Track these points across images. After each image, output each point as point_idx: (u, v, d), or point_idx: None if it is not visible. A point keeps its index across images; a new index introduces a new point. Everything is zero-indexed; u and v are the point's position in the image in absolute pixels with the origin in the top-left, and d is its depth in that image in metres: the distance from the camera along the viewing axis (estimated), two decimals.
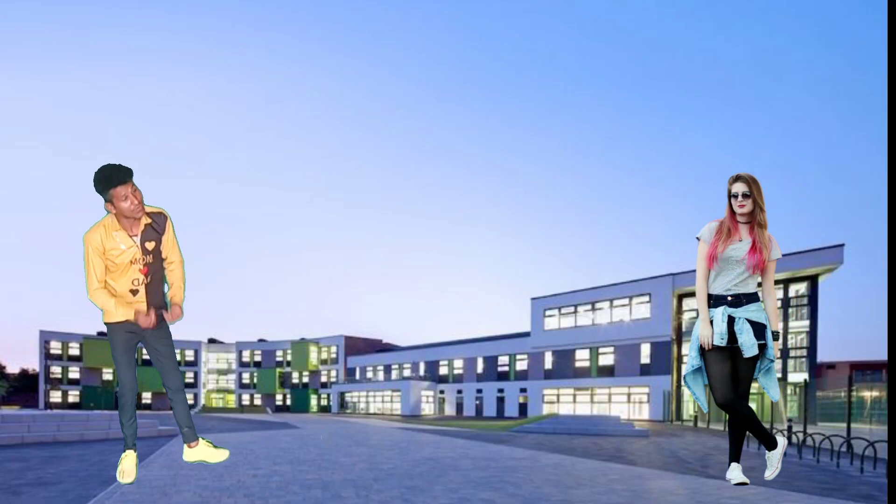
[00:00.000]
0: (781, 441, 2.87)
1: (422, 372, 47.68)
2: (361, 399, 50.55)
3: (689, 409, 28.99)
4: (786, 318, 26.92)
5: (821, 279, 26.08)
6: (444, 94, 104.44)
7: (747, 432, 2.84)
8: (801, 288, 26.87)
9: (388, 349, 56.27)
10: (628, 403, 31.51)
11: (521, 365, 38.79)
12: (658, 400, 29.85)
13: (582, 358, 34.33)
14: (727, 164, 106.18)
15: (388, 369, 51.40)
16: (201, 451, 2.98)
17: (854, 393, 12.70)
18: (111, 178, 2.44)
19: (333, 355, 56.80)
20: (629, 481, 6.11)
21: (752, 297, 2.66)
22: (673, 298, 30.02)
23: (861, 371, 34.12)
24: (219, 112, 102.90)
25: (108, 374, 55.95)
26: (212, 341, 62.77)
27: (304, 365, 57.60)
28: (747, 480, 2.73)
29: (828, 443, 10.11)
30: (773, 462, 2.84)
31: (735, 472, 2.77)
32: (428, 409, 45.58)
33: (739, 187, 2.60)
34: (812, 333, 25.89)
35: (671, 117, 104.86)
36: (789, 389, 23.18)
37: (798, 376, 25.35)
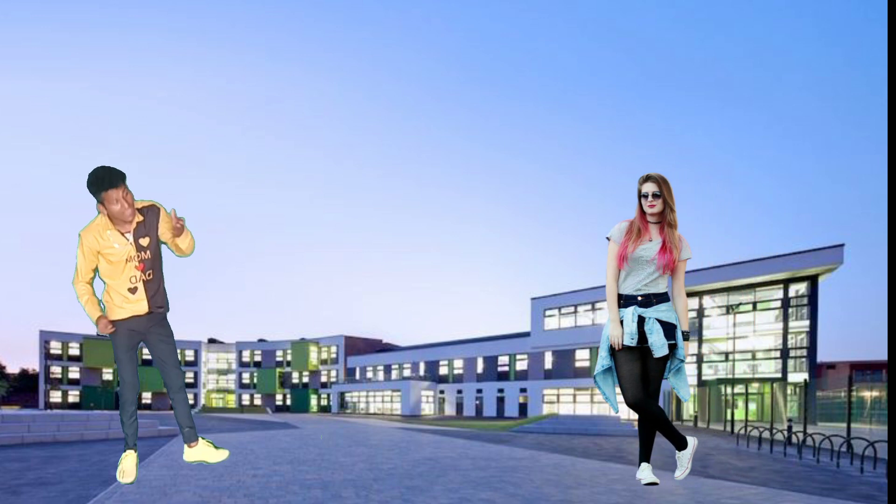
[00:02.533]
0: (692, 442, 2.87)
1: (422, 372, 47.68)
2: (361, 399, 50.56)
3: (688, 409, 29.00)
4: (786, 318, 26.94)
5: (821, 279, 26.10)
6: (444, 94, 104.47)
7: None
8: (801, 288, 26.88)
9: (388, 349, 56.28)
10: None
11: (521, 365, 38.80)
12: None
13: (582, 358, 34.33)
14: (727, 164, 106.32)
15: (388, 369, 51.42)
16: (201, 452, 2.98)
17: (854, 393, 12.70)
18: (103, 181, 2.46)
19: (333, 355, 56.82)
20: (629, 481, 6.11)
21: (662, 298, 2.65)
22: None
23: (861, 371, 34.11)
24: (219, 112, 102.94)
25: (108, 374, 55.97)
26: (212, 341, 62.79)
27: (304, 365, 57.62)
28: (657, 480, 2.72)
29: (828, 443, 10.11)
30: (684, 462, 2.84)
31: (645, 472, 2.75)
32: (428, 409, 45.58)
33: (650, 187, 2.58)
34: (812, 333, 25.90)
35: (671, 117, 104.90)
36: (789, 389, 23.16)
37: (798, 376, 25.36)
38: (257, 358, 61.51)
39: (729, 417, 19.08)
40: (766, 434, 13.36)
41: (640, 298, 2.63)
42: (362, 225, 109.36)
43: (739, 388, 26.77)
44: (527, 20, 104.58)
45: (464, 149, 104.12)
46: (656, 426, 2.73)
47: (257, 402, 60.56)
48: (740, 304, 28.27)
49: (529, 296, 37.65)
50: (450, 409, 44.89)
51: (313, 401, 57.81)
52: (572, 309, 34.68)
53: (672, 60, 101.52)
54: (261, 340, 61.92)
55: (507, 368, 40.22)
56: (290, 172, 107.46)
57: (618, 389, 2.75)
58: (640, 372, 2.63)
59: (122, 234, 2.59)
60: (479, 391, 42.04)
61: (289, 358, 59.34)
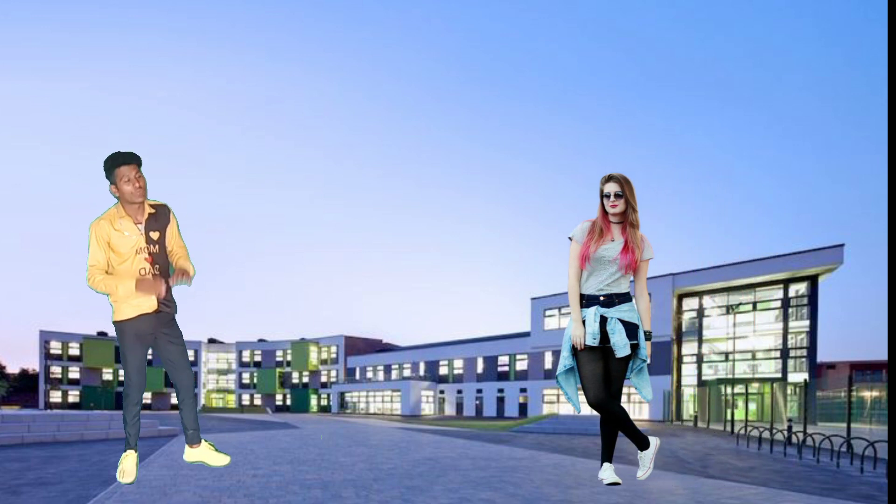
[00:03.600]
0: (654, 441, 2.86)
1: (422, 372, 47.67)
2: (361, 399, 50.55)
3: (688, 409, 28.99)
4: (786, 318, 26.93)
5: (821, 279, 26.09)
6: (444, 94, 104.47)
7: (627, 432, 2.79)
8: (801, 288, 26.88)
9: (388, 349, 56.27)
10: (628, 403, 31.50)
11: (521, 365, 38.80)
12: (658, 400, 29.84)
13: None
14: (727, 164, 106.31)
15: (388, 369, 51.41)
16: (202, 453, 2.97)
17: (854, 393, 12.70)
18: (118, 158, 2.51)
19: (333, 355, 56.81)
20: (629, 481, 6.11)
21: (624, 297, 2.65)
22: (673, 298, 30.01)
23: (861, 371, 34.11)
24: (219, 112, 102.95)
25: (108, 374, 55.95)
26: (212, 341, 62.79)
27: (304, 365, 57.61)
28: (619, 480, 2.72)
29: (828, 443, 10.11)
30: (646, 462, 2.84)
31: (607, 473, 2.75)
32: (428, 409, 45.57)
33: (612, 187, 2.57)
34: (812, 333, 25.90)
35: (671, 117, 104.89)
36: (789, 389, 23.16)
37: (798, 376, 25.36)
38: (257, 358, 61.51)
39: (729, 417, 19.08)
40: (766, 434, 13.36)
41: (602, 298, 2.62)
42: (362, 225, 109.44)
43: (739, 388, 26.77)
44: (527, 20, 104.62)
45: (464, 149, 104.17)
46: (618, 426, 2.73)
47: (257, 402, 60.56)
48: (740, 304, 28.27)
49: (529, 296, 37.70)
50: (450, 410, 44.88)
51: (313, 401, 57.80)
52: None
53: (672, 60, 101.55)
54: (261, 340, 61.92)
55: (507, 368, 40.21)
56: (290, 172, 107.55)
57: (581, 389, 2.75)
58: (603, 372, 2.63)
59: (135, 223, 2.60)
60: (479, 391, 42.03)
61: (289, 358, 59.33)
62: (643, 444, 2.81)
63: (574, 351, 2.65)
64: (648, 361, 2.71)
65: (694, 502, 4.82)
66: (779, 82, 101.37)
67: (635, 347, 2.64)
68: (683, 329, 30.76)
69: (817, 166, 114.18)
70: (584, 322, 2.60)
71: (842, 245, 24.66)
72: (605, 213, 2.62)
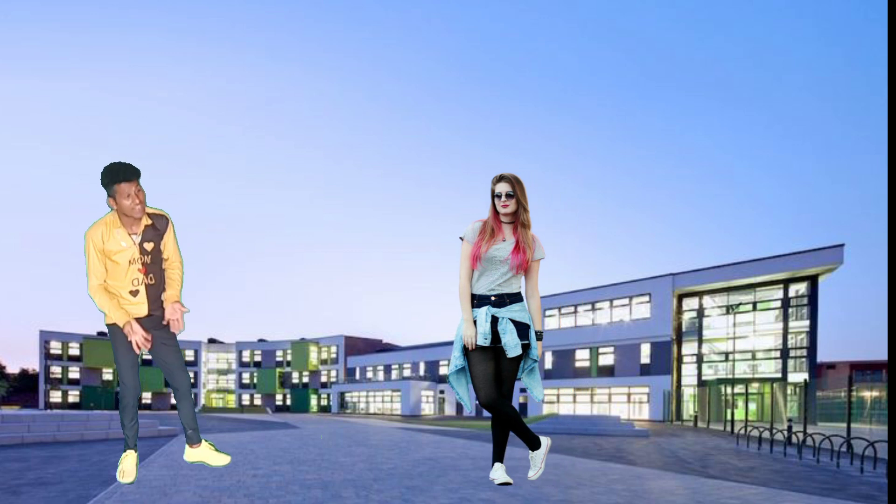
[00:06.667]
0: (545, 442, 2.87)
1: (422, 372, 47.66)
2: (361, 399, 50.54)
3: (688, 409, 28.99)
4: (786, 318, 26.93)
5: (821, 279, 26.08)
6: (444, 94, 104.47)
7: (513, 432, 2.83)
8: (801, 288, 26.87)
9: (388, 349, 56.26)
10: (628, 403, 31.51)
11: None
12: (658, 400, 29.85)
13: (582, 358, 34.32)
14: (727, 164, 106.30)
15: (388, 369, 51.40)
16: (203, 453, 2.98)
17: (854, 393, 12.70)
18: (118, 173, 2.47)
19: (333, 355, 56.80)
20: (629, 481, 6.11)
21: (515, 297, 2.63)
22: (673, 298, 30.01)
23: (861, 371, 34.14)
24: (219, 112, 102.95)
25: (108, 374, 55.93)
26: (212, 341, 62.77)
27: (304, 365, 57.59)
28: (510, 480, 2.72)
29: (828, 443, 10.11)
30: (537, 462, 2.87)
31: (498, 473, 2.76)
32: (428, 409, 45.56)
33: (503, 187, 2.56)
34: (812, 333, 25.88)
35: (671, 117, 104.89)
36: (789, 389, 23.16)
37: (798, 376, 25.35)
38: (257, 358, 61.48)
39: (729, 417, 19.08)
40: (766, 434, 13.36)
41: (493, 298, 2.60)
42: (362, 225, 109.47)
43: (739, 388, 26.77)
44: (527, 20, 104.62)
45: (464, 149, 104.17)
46: (510, 426, 2.75)
47: (257, 402, 60.53)
48: (740, 304, 28.26)
49: None
50: (450, 409, 44.86)
51: (313, 401, 57.79)
52: (572, 309, 34.67)
53: (672, 60, 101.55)
54: (261, 340, 61.90)
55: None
56: (290, 172, 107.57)
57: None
58: (494, 372, 2.63)
59: (130, 234, 2.59)
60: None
61: (289, 358, 59.31)
62: (534, 444, 2.84)
63: (465, 351, 2.64)
64: (539, 361, 2.71)
65: (694, 502, 4.82)
66: (779, 82, 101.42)
67: (526, 347, 2.63)
68: (683, 329, 30.77)
69: (817, 166, 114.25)
70: (475, 322, 2.59)
71: (842, 245, 24.65)
72: (496, 213, 2.61)
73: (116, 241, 2.55)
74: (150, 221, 2.64)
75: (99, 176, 2.49)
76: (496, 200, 2.58)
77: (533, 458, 2.87)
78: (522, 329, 2.59)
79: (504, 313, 2.58)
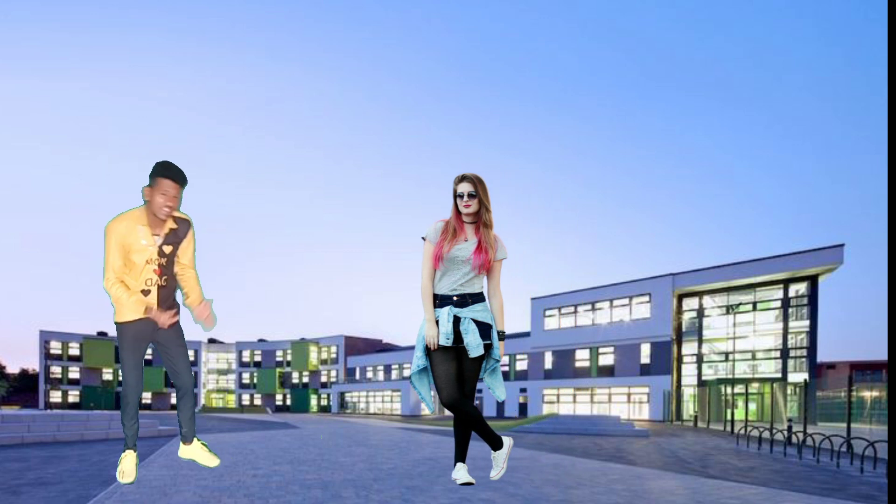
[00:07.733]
0: (507, 442, 2.87)
1: None
2: (361, 399, 50.55)
3: (688, 409, 28.99)
4: (786, 318, 26.92)
5: (821, 279, 26.08)
6: (444, 94, 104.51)
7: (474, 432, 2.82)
8: (801, 288, 26.87)
9: (388, 349, 56.24)
10: (628, 403, 31.51)
11: (521, 365, 38.77)
12: (658, 400, 29.85)
13: (582, 358, 34.33)
14: (727, 164, 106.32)
15: (388, 369, 51.39)
16: (194, 451, 3.04)
17: (854, 393, 12.70)
18: (168, 169, 2.52)
19: (333, 355, 56.79)
20: (629, 481, 6.11)
21: (477, 297, 2.63)
22: (673, 298, 30.01)
23: (861, 371, 34.13)
24: (219, 112, 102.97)
25: (108, 374, 55.91)
26: (212, 341, 62.75)
27: (304, 365, 57.58)
28: (473, 480, 2.72)
29: (828, 443, 10.11)
30: (499, 462, 2.85)
31: (461, 473, 2.76)
32: (428, 409, 45.55)
33: (465, 187, 2.56)
34: (812, 333, 25.88)
35: (671, 117, 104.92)
36: (789, 389, 23.16)
37: (798, 376, 25.35)
38: (257, 358, 61.47)
39: (729, 417, 19.07)
40: (766, 434, 13.36)
41: (455, 298, 2.60)
42: (362, 225, 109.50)
43: (739, 388, 26.77)
44: (527, 20, 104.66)
45: (464, 149, 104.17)
46: (472, 426, 2.75)
47: (257, 402, 60.52)
48: (740, 304, 28.26)
49: (529, 296, 37.69)
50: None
51: (313, 401, 57.78)
52: (572, 309, 34.66)
53: (672, 60, 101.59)
54: (261, 340, 61.89)
55: (506, 368, 40.18)
56: (290, 172, 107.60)
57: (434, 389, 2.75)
58: (456, 372, 2.62)
59: (153, 234, 2.58)
60: (479, 391, 42.05)
61: (289, 358, 59.30)
62: (496, 444, 2.84)
63: (427, 351, 2.64)
64: (501, 361, 2.70)
65: (694, 502, 4.83)
66: (779, 82, 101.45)
67: (489, 347, 2.62)
68: (683, 329, 30.76)
69: (817, 166, 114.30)
70: (437, 322, 2.58)
71: (842, 245, 24.65)
72: (458, 213, 2.61)
73: (137, 238, 2.54)
74: (175, 226, 2.64)
75: (149, 170, 2.52)
76: (458, 200, 2.59)
77: (495, 458, 2.87)
78: (485, 329, 2.59)
79: (466, 313, 2.58)
